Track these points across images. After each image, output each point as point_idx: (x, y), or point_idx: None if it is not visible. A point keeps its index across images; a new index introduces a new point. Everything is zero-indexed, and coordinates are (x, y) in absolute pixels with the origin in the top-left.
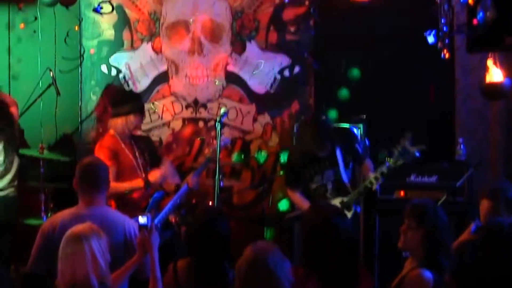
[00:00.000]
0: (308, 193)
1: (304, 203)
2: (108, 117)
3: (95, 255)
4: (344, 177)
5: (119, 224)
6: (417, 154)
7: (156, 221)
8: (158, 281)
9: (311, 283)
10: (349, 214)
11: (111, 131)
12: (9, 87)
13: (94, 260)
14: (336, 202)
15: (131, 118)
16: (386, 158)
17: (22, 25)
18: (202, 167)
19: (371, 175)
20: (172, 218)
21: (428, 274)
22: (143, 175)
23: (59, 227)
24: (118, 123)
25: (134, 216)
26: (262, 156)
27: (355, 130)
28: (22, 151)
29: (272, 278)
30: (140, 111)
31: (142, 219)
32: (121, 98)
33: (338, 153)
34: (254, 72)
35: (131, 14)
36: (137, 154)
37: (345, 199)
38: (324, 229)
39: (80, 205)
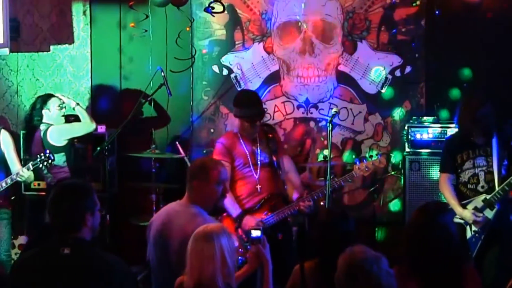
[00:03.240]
0: (458, 188)
1: (452, 200)
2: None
3: (224, 255)
4: (496, 169)
5: (190, 225)
6: None
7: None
8: None
9: (412, 281)
10: (490, 214)
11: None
12: (120, 87)
13: (223, 260)
14: (479, 199)
15: (240, 121)
16: None
17: (132, 24)
18: (319, 193)
19: None
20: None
21: None
22: (255, 174)
23: (154, 218)
24: (233, 122)
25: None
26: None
27: None
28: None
29: (372, 279)
30: (249, 119)
31: (255, 232)
32: (239, 99)
33: (495, 144)
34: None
35: (242, 14)
36: (258, 151)
37: (488, 196)
38: (424, 228)
39: (182, 200)
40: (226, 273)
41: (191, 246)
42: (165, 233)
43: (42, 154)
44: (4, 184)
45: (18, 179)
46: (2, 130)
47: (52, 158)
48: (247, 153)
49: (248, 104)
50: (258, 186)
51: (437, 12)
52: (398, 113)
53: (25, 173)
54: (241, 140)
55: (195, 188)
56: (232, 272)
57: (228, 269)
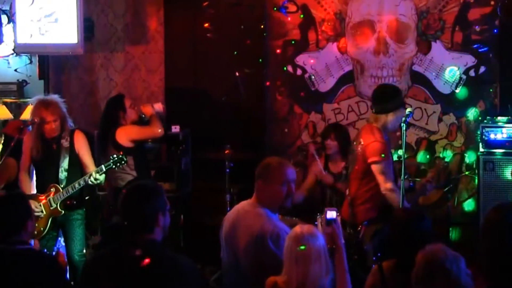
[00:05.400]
0: None
1: None
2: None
3: (326, 255)
4: None
5: (255, 226)
6: None
7: None
8: (346, 273)
9: (485, 282)
10: None
11: (376, 125)
12: (194, 87)
13: (325, 261)
14: None
15: (399, 112)
16: None
17: (206, 24)
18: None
19: None
20: None
21: None
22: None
23: (226, 217)
24: (388, 120)
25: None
26: (447, 156)
27: None
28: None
29: (451, 278)
30: (404, 104)
31: (330, 214)
32: (389, 93)
33: None
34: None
35: (316, 14)
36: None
37: None
38: (498, 228)
39: (251, 199)
40: (327, 273)
41: (291, 248)
42: (234, 233)
43: (115, 156)
44: (77, 186)
45: (90, 182)
46: (76, 131)
47: (125, 159)
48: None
49: (399, 92)
50: None
51: (498, 11)
52: (472, 113)
53: (98, 176)
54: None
55: (259, 188)
56: (331, 271)
57: (329, 268)
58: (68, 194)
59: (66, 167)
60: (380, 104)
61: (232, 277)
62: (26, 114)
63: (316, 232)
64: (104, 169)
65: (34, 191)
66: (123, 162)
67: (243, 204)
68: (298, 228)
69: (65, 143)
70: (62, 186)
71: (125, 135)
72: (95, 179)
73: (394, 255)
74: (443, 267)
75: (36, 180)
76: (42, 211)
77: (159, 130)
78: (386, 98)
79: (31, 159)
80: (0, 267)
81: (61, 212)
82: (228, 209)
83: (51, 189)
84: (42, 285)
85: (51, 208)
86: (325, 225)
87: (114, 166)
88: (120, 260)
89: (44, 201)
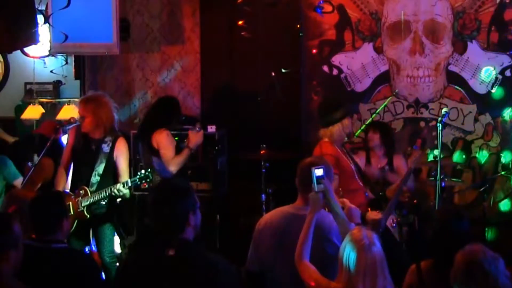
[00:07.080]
0: None
1: None
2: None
3: (385, 263)
4: None
5: (327, 229)
6: None
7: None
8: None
9: None
10: None
11: (326, 139)
12: (230, 87)
13: (387, 271)
14: None
15: (346, 122)
16: None
17: (241, 22)
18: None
19: None
20: (394, 219)
21: None
22: (361, 183)
23: (266, 223)
24: (333, 131)
25: None
26: (483, 156)
27: None
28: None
29: (490, 279)
30: (351, 113)
31: (318, 171)
32: (329, 106)
33: None
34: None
35: (352, 14)
36: (350, 159)
37: None
38: None
39: (296, 204)
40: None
41: (358, 260)
42: (288, 238)
43: (142, 172)
44: (103, 194)
45: (113, 194)
46: (120, 138)
47: (151, 177)
48: (350, 163)
49: (342, 102)
50: (367, 193)
51: None
52: (508, 113)
53: (122, 189)
54: (340, 152)
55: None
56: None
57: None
58: (94, 200)
59: (101, 172)
60: (322, 117)
61: (284, 281)
62: (62, 114)
63: (374, 238)
64: (129, 184)
65: (68, 188)
66: (148, 180)
67: (287, 209)
68: (359, 237)
69: (105, 147)
70: (92, 189)
71: (160, 147)
72: (118, 191)
73: (431, 255)
74: (482, 267)
75: (72, 178)
76: (70, 210)
77: (173, 168)
78: (330, 110)
79: (71, 153)
80: (36, 266)
81: (87, 216)
82: (264, 208)
83: (81, 191)
84: (77, 284)
85: (79, 210)
86: (315, 183)
87: (139, 183)
88: (153, 261)
89: (73, 201)
